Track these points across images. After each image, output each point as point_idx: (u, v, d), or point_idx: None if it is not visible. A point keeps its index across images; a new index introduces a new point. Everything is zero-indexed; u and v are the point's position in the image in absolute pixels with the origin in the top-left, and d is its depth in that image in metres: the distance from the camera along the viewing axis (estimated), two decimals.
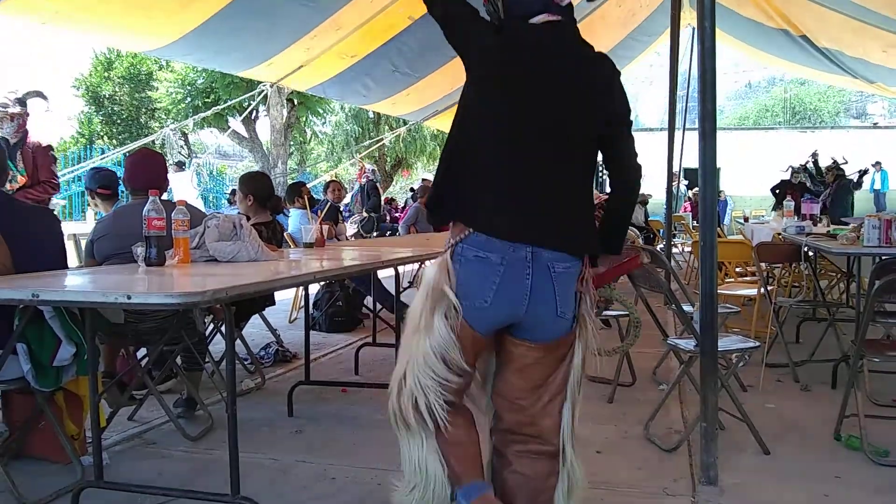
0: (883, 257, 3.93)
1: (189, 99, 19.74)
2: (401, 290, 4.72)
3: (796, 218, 6.86)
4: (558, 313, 2.03)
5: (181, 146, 19.89)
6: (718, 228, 7.50)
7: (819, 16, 7.91)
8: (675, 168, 8.54)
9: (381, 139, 17.14)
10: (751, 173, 21.75)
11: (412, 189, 16.21)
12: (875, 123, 31.18)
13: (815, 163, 12.30)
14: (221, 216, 3.24)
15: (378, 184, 12.41)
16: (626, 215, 2.27)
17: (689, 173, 20.39)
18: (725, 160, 23.10)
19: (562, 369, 2.11)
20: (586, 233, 2.10)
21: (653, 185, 8.43)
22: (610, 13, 8.63)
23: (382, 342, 5.28)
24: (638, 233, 11.35)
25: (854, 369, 3.34)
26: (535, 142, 2.01)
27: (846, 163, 10.48)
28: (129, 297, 2.10)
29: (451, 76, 8.13)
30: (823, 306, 5.14)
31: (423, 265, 7.54)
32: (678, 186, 15.35)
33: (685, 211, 15.64)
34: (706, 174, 2.52)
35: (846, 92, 32.12)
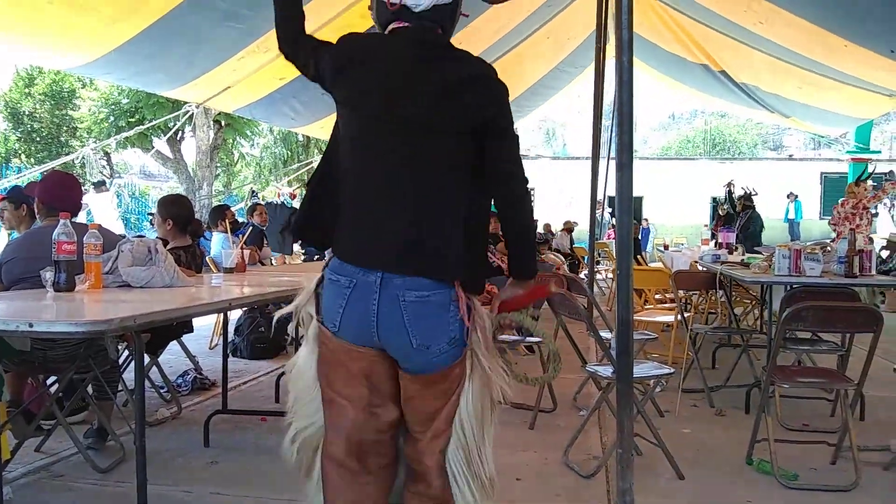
0: (793, 286, 4.08)
1: (112, 118, 19.25)
2: None
3: (713, 246, 7.09)
4: (414, 345, 1.86)
5: (103, 166, 19.35)
6: (639, 256, 7.67)
7: (737, 52, 8.26)
8: (600, 196, 8.71)
9: (311, 162, 17.02)
10: (673, 202, 22.41)
11: None
12: (790, 155, 32.55)
13: (730, 192, 12.76)
14: (136, 241, 3.15)
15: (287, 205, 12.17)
16: (521, 234, 1.98)
17: (613, 201, 20.87)
18: (648, 189, 23.78)
19: (447, 406, 1.94)
20: (453, 256, 1.88)
21: (579, 212, 8.62)
22: (539, 44, 8.81)
23: None
24: (563, 259, 11.54)
25: (765, 395, 3.44)
26: (387, 156, 1.88)
27: (755, 193, 10.93)
28: (31, 325, 2.02)
29: None
30: (738, 333, 5.30)
31: None
32: (602, 214, 15.68)
33: (609, 238, 15.96)
34: (623, 204, 2.57)
35: (764, 125, 33.44)
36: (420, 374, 1.92)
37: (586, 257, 11.02)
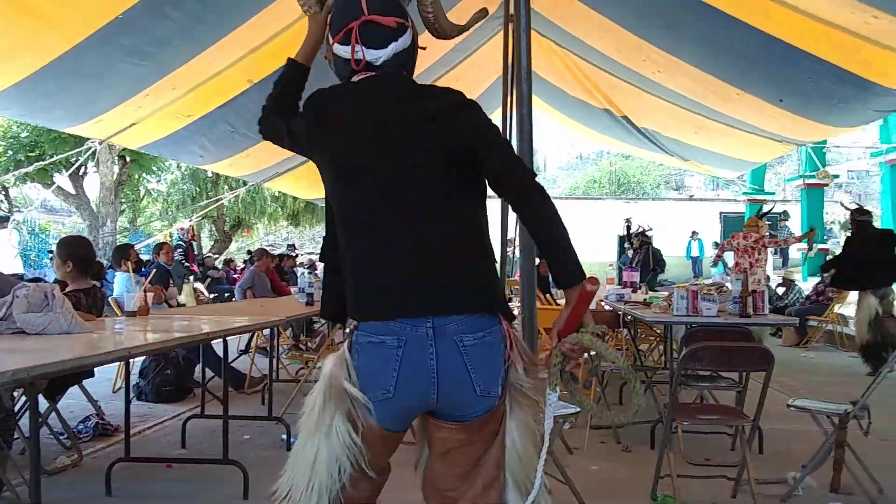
0: (691, 325, 4.25)
1: (11, 152, 18.44)
2: (231, 359, 4.57)
3: (618, 285, 7.32)
4: (478, 392, 1.75)
5: (0, 201, 18.49)
6: (549, 294, 7.83)
7: (638, 99, 8.61)
8: (511, 234, 8.87)
9: (220, 199, 16.71)
10: (581, 240, 22.84)
11: (249, 252, 15.85)
12: (691, 196, 33.96)
13: (628, 229, 13.26)
14: (32, 286, 3.04)
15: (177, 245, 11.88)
16: (553, 230, 1.75)
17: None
18: None
19: (493, 450, 1.82)
20: (487, 284, 1.80)
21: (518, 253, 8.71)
22: (449, 84, 8.94)
23: (211, 413, 5.07)
24: None
25: (667, 432, 3.55)
26: (387, 201, 1.78)
27: (650, 229, 11.40)
28: None
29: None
30: (642, 370, 5.46)
31: (257, 334, 7.40)
32: (513, 252, 15.90)
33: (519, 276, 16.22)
34: (524, 251, 2.64)
35: (666, 166, 34.85)
36: (468, 422, 1.79)
37: None
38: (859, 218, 8.11)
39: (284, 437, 4.72)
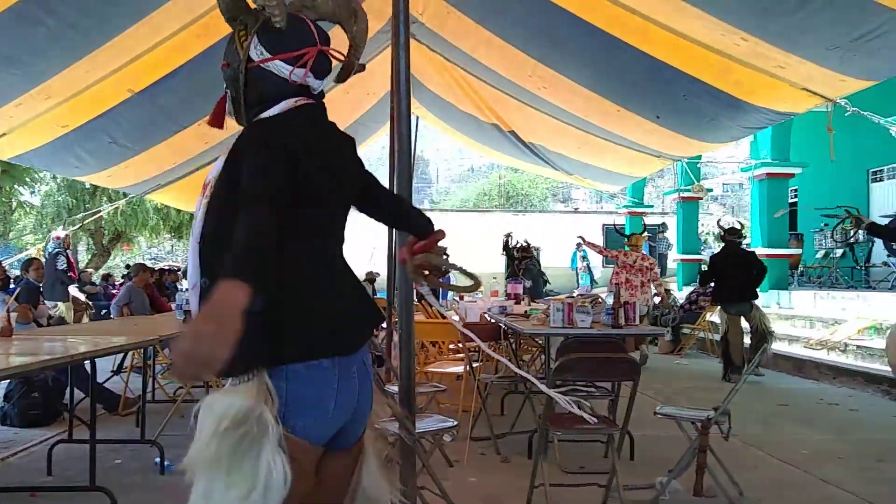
0: (567, 337, 4.35)
1: None
2: (103, 380, 4.35)
3: (502, 297, 7.44)
4: (370, 408, 1.90)
5: None
6: (434, 308, 7.86)
7: (524, 114, 8.78)
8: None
9: (98, 211, 15.94)
10: (470, 252, 23.18)
11: (128, 266, 15.23)
12: (576, 209, 34.99)
13: (506, 243, 13.56)
14: None
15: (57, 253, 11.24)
16: (403, 205, 2.34)
17: None
18: (448, 240, 24.43)
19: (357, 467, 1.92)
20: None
21: (382, 264, 8.63)
22: (337, 99, 8.88)
23: (80, 438, 4.81)
24: None
25: (541, 442, 3.62)
26: (335, 230, 1.91)
27: (528, 244, 11.73)
28: None
29: (174, 150, 7.87)
30: (522, 381, 5.55)
31: (132, 354, 7.09)
32: None
33: None
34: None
35: (553, 179, 35.79)
36: (355, 444, 1.89)
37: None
38: (728, 238, 8.63)
39: (158, 460, 4.53)
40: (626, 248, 9.64)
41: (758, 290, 8.48)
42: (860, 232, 12.51)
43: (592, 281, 21.25)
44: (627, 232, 10.66)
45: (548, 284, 15.09)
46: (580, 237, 11.45)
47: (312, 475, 1.76)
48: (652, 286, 9.58)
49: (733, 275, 8.36)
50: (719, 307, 8.77)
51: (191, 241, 1.79)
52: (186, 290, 2.09)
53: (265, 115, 1.85)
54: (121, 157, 7.78)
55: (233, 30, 1.92)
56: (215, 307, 1.43)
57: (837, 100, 5.79)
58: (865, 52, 4.63)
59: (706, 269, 9.44)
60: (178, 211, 19.57)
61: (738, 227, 8.88)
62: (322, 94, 1.98)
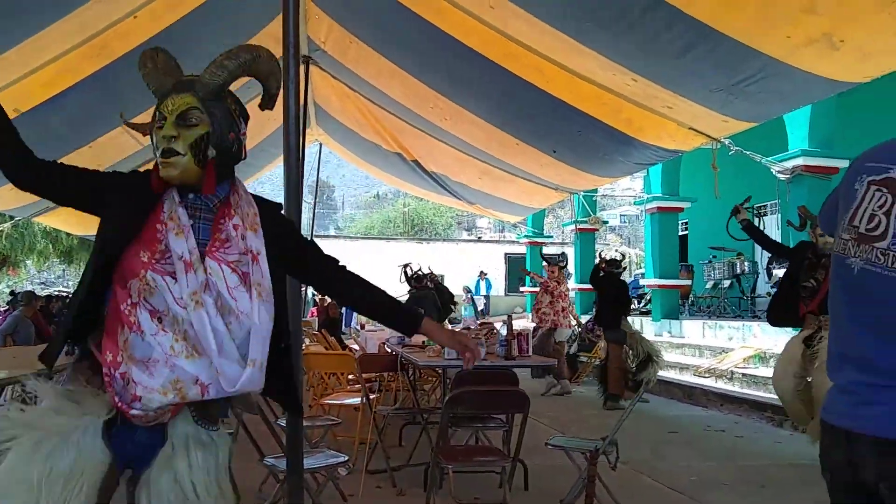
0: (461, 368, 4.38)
1: None
2: None
3: None
4: None
5: None
6: (332, 338, 7.79)
7: (427, 144, 8.84)
8: None
9: None
10: (375, 280, 23.13)
11: (12, 293, 14.44)
12: (479, 237, 35.43)
13: (405, 274, 13.60)
14: None
15: None
16: (374, 291, 2.36)
17: None
18: (353, 266, 24.25)
19: None
20: None
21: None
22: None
23: None
24: None
25: (433, 474, 3.62)
26: None
27: (423, 273, 11.89)
28: None
29: None
30: (418, 412, 5.54)
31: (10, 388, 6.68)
32: (305, 291, 15.73)
33: (312, 316, 16.03)
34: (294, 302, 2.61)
35: (457, 208, 36.16)
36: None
37: None
38: (607, 269, 9.02)
39: None
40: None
41: (627, 317, 8.99)
42: (746, 263, 13.18)
43: (477, 313, 21.47)
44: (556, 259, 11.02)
45: (451, 313, 15.12)
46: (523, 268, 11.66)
47: None
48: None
49: (603, 304, 8.86)
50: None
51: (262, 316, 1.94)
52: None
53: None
54: (4, 178, 7.40)
55: (226, 101, 2.06)
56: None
57: (722, 139, 6.08)
58: (745, 95, 4.89)
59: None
60: (69, 235, 18.68)
61: (619, 258, 9.29)
62: None
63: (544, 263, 10.46)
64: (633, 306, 9.45)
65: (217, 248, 1.93)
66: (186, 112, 1.95)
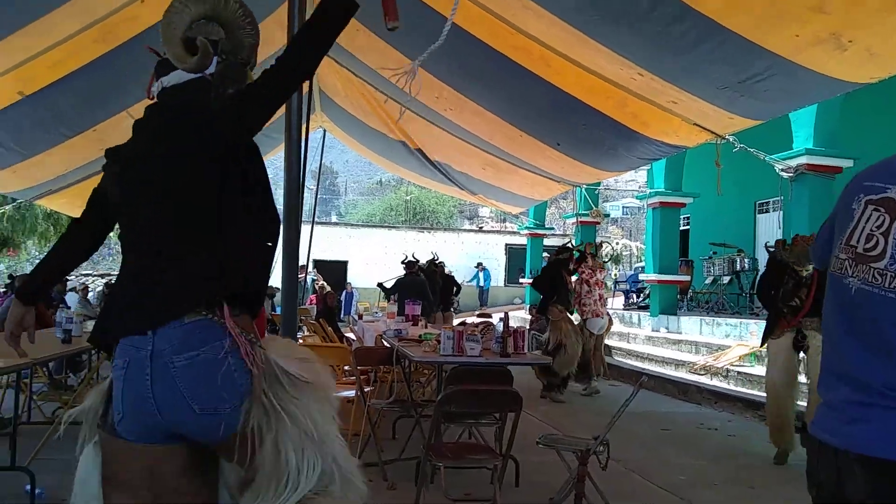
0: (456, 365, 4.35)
1: None
2: None
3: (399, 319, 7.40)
4: (197, 411, 1.74)
5: None
6: (332, 328, 7.78)
7: (431, 133, 8.81)
8: (303, 260, 8.74)
9: None
10: (376, 267, 23.19)
11: (11, 276, 14.43)
12: (480, 227, 35.36)
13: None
14: None
15: None
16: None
17: (317, 264, 21.07)
18: (354, 254, 24.39)
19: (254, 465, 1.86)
20: (201, 277, 1.82)
21: (280, 278, 8.43)
22: None
23: None
24: (266, 325, 11.30)
25: (423, 470, 3.60)
26: (139, 231, 1.95)
27: (416, 261, 11.92)
28: None
29: (64, 156, 7.52)
30: (412, 406, 5.52)
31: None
32: (305, 278, 15.74)
33: (311, 303, 16.01)
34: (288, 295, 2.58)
35: (459, 198, 36.05)
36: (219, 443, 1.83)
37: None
38: (557, 256, 9.27)
39: (28, 487, 4.20)
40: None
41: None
42: (746, 260, 13.15)
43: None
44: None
45: (452, 305, 15.09)
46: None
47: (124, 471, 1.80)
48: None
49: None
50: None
51: None
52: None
53: None
54: (8, 160, 7.39)
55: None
56: None
57: (726, 136, 6.05)
58: (752, 93, 4.85)
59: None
60: (70, 217, 18.59)
61: (570, 246, 9.36)
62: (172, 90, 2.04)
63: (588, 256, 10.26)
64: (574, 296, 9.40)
65: None
66: None
